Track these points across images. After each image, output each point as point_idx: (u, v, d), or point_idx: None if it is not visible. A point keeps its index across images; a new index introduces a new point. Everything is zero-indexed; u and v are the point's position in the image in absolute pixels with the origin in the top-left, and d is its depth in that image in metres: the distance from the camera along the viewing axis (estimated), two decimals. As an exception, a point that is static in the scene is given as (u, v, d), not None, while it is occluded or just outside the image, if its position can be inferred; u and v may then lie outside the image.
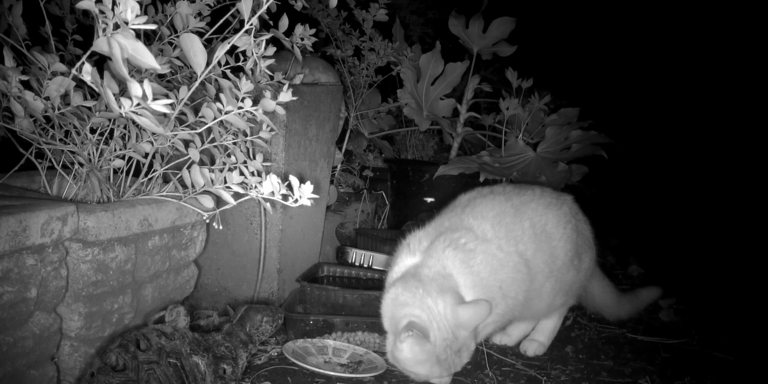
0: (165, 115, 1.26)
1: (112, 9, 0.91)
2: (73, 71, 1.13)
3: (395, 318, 1.49)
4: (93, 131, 1.43)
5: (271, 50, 1.44)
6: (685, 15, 4.17)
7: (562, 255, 1.67)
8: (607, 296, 1.92)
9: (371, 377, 1.59)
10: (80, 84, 1.22)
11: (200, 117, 1.32)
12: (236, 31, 1.34)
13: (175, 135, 1.34)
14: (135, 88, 0.99)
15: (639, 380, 1.67)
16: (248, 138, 1.45)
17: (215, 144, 1.43)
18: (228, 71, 1.37)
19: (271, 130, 1.45)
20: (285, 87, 1.35)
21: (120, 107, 1.02)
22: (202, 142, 1.41)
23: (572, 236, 1.70)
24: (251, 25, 1.24)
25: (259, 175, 1.36)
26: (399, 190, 2.68)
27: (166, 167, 1.50)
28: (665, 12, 4.26)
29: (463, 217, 1.65)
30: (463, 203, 1.72)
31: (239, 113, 1.29)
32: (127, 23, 0.92)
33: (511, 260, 1.59)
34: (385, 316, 1.55)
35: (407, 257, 1.61)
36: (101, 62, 1.15)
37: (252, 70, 1.43)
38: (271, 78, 1.55)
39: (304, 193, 1.30)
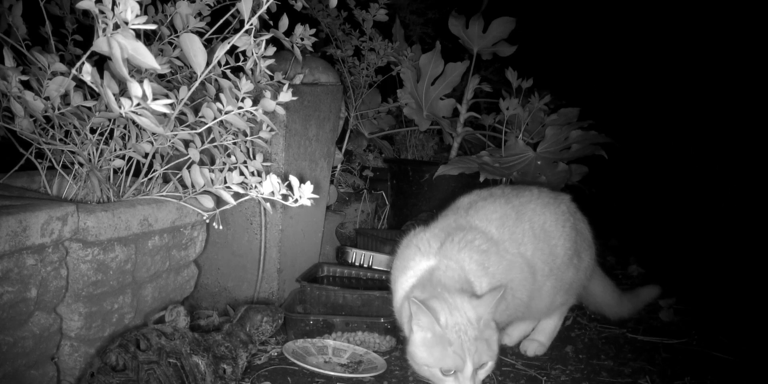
0: (165, 115, 1.26)
1: (112, 9, 0.91)
2: (73, 71, 1.13)
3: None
4: (93, 131, 1.43)
5: (271, 50, 1.44)
6: (685, 15, 4.17)
7: (561, 253, 1.68)
8: (608, 295, 1.92)
9: (371, 377, 1.59)
10: (80, 84, 1.22)
11: (200, 117, 1.32)
12: (236, 31, 1.34)
13: (175, 135, 1.34)
14: (135, 88, 0.99)
15: (639, 380, 1.67)
16: (248, 138, 1.45)
17: (215, 144, 1.43)
18: (228, 71, 1.37)
19: (271, 130, 1.45)
20: (285, 87, 1.35)
21: (120, 107, 1.02)
22: (202, 142, 1.41)
23: (571, 234, 1.70)
24: (251, 25, 1.24)
25: (259, 175, 1.36)
26: (399, 190, 2.68)
27: (166, 167, 1.50)
28: (665, 12, 4.26)
29: (470, 219, 1.65)
30: (465, 206, 1.72)
31: (239, 113, 1.29)
32: (127, 23, 0.92)
33: (516, 261, 1.60)
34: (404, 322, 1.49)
35: (421, 260, 1.56)
36: (101, 62, 1.15)
37: (252, 70, 1.43)
38: (271, 78, 1.55)
39: (304, 193, 1.30)
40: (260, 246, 1.88)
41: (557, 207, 1.73)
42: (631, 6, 4.29)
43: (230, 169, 1.37)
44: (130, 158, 1.49)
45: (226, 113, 1.29)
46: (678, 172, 4.00)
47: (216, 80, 1.37)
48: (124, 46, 0.92)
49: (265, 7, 1.24)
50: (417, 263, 1.56)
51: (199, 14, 1.48)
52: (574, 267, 1.72)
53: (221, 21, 1.43)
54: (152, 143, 1.43)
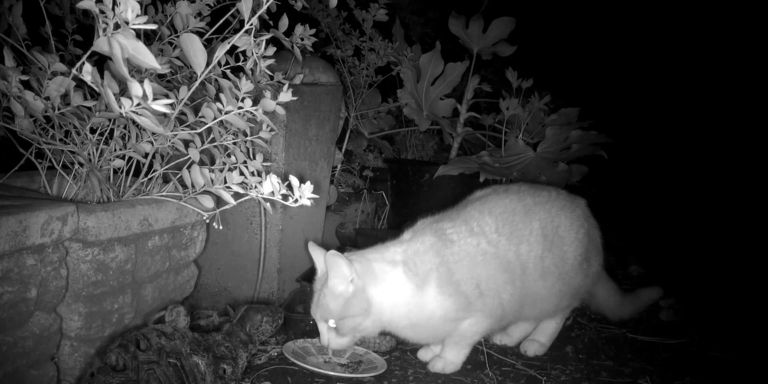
0: (165, 115, 1.26)
1: (113, 9, 0.91)
2: (74, 71, 1.13)
3: None
4: (93, 131, 1.43)
5: (271, 50, 1.44)
6: (684, 15, 4.17)
7: (571, 259, 1.67)
8: (611, 298, 1.92)
9: (371, 377, 1.59)
10: (80, 84, 1.22)
11: (200, 117, 1.32)
12: (236, 31, 1.34)
13: (175, 135, 1.34)
14: (135, 88, 0.99)
15: (639, 380, 1.67)
16: (248, 138, 1.45)
17: (215, 144, 1.43)
18: (228, 71, 1.37)
19: (271, 130, 1.45)
20: (285, 87, 1.35)
21: (120, 107, 1.02)
22: (202, 142, 1.41)
23: (584, 241, 1.70)
24: (251, 25, 1.24)
25: (259, 175, 1.36)
26: (399, 190, 2.67)
27: (166, 167, 1.50)
28: (665, 12, 4.26)
29: (469, 209, 1.66)
30: (475, 198, 1.74)
31: (239, 113, 1.29)
32: (127, 23, 0.92)
33: (502, 258, 1.59)
34: None
35: (406, 234, 1.66)
36: (101, 62, 1.15)
37: (252, 70, 1.43)
38: (271, 78, 1.55)
39: (304, 193, 1.30)
40: (260, 246, 1.88)
41: (573, 211, 1.72)
42: (630, 6, 4.29)
43: (230, 169, 1.37)
44: (130, 158, 1.49)
45: (226, 113, 1.29)
46: (678, 172, 3.99)
47: (216, 80, 1.36)
48: (124, 45, 0.92)
49: (265, 7, 1.24)
50: (402, 235, 1.68)
51: (199, 14, 1.48)
52: (583, 272, 1.71)
53: (221, 21, 1.43)
54: (152, 143, 1.43)
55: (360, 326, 1.49)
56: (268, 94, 1.34)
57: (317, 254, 1.57)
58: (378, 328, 1.54)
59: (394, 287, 1.51)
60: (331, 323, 1.48)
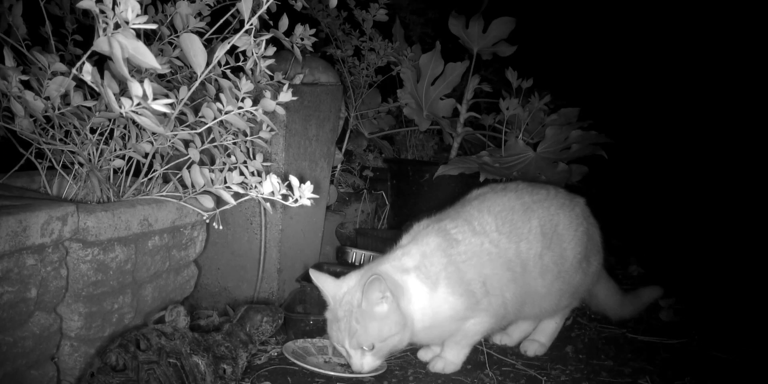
0: (165, 115, 1.26)
1: (113, 9, 0.91)
2: (74, 71, 1.13)
3: None
4: (93, 131, 1.43)
5: (271, 50, 1.44)
6: (684, 15, 4.17)
7: (570, 257, 1.68)
8: (612, 298, 1.92)
9: (371, 377, 1.59)
10: (80, 84, 1.22)
11: (200, 117, 1.32)
12: (236, 31, 1.34)
13: (175, 135, 1.34)
14: (135, 88, 0.99)
15: (639, 380, 1.67)
16: (248, 138, 1.45)
17: (215, 144, 1.43)
18: (228, 71, 1.37)
19: (271, 130, 1.45)
20: (285, 87, 1.35)
21: (120, 107, 1.02)
22: (202, 142, 1.41)
23: (583, 239, 1.70)
24: (251, 25, 1.24)
25: (259, 175, 1.36)
26: (399, 190, 2.67)
27: (166, 167, 1.50)
28: (665, 12, 4.26)
29: (468, 208, 1.66)
30: (473, 197, 1.74)
31: (239, 113, 1.29)
32: (127, 23, 0.92)
33: (504, 257, 1.59)
34: None
35: (404, 239, 1.65)
36: (101, 62, 1.15)
37: (252, 70, 1.43)
38: (271, 78, 1.55)
39: (304, 193, 1.30)
40: (260, 246, 1.88)
41: (572, 210, 1.72)
42: (630, 6, 4.29)
43: (230, 169, 1.37)
44: (130, 158, 1.49)
45: (226, 113, 1.29)
46: (678, 172, 3.99)
47: (216, 80, 1.36)
48: (124, 45, 0.92)
49: (265, 7, 1.24)
50: (399, 242, 1.66)
51: (199, 14, 1.48)
52: (583, 271, 1.72)
53: (221, 21, 1.43)
54: (152, 143, 1.43)
55: (401, 342, 1.48)
56: (268, 94, 1.34)
57: (326, 283, 1.52)
58: (409, 339, 1.52)
59: (414, 294, 1.51)
60: (368, 347, 1.45)
